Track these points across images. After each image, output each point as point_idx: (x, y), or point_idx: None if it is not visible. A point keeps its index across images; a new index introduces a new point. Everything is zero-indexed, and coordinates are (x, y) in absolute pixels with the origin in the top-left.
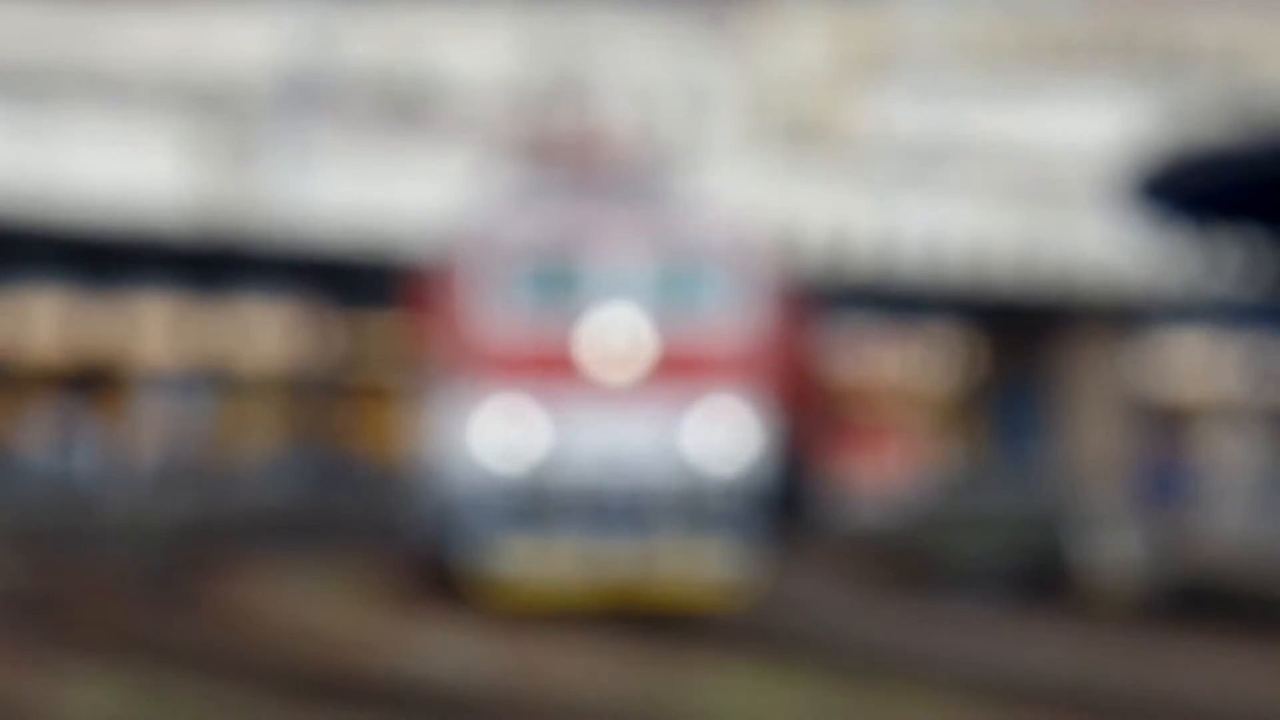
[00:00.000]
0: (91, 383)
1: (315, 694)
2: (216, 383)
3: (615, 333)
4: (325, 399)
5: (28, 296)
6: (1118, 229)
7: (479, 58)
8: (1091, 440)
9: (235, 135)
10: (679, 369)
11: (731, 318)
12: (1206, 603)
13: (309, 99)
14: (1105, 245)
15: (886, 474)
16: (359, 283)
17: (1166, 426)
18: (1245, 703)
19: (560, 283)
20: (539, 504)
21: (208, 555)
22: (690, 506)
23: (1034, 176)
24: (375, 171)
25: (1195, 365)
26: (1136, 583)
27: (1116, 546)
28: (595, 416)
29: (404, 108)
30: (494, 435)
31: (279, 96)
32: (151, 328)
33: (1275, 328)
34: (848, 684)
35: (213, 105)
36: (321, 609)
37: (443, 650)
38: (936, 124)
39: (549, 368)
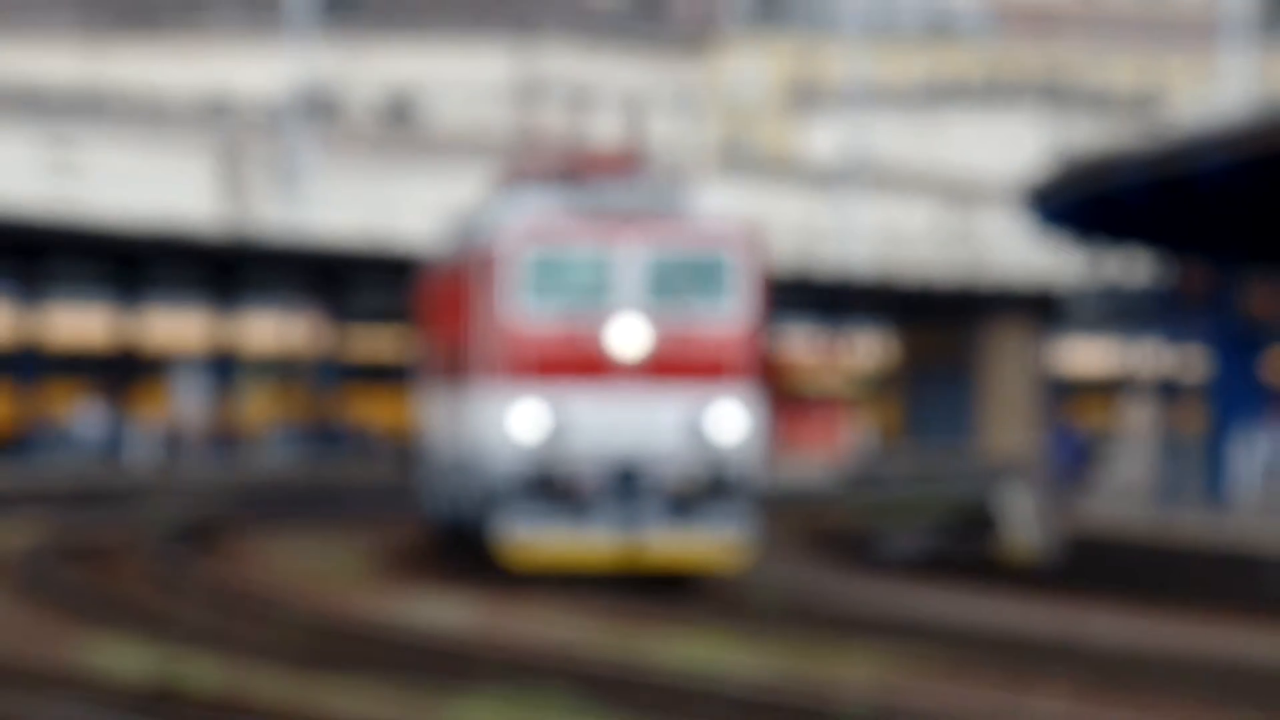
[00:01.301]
0: (131, 371)
1: (315, 633)
2: (237, 369)
3: (633, 326)
4: (326, 384)
5: (75, 301)
6: (1028, 234)
7: (477, 78)
8: (1007, 419)
9: (252, 155)
10: (691, 359)
11: (736, 312)
12: (1106, 563)
13: (319, 122)
14: (1019, 247)
15: (817, 446)
16: (362, 283)
17: (1073, 402)
18: (1135, 645)
19: (582, 280)
20: (559, 480)
21: (228, 513)
22: (703, 482)
23: (955, 190)
24: (377, 186)
25: (1096, 347)
26: (1047, 548)
27: (1029, 516)
28: (612, 402)
29: (406, 126)
30: (519, 419)
31: (291, 121)
32: (183, 323)
33: (1152, 320)
34: (802, 641)
35: (234, 130)
36: (319, 556)
37: (437, 605)
38: (860, 144)
39: (571, 359)
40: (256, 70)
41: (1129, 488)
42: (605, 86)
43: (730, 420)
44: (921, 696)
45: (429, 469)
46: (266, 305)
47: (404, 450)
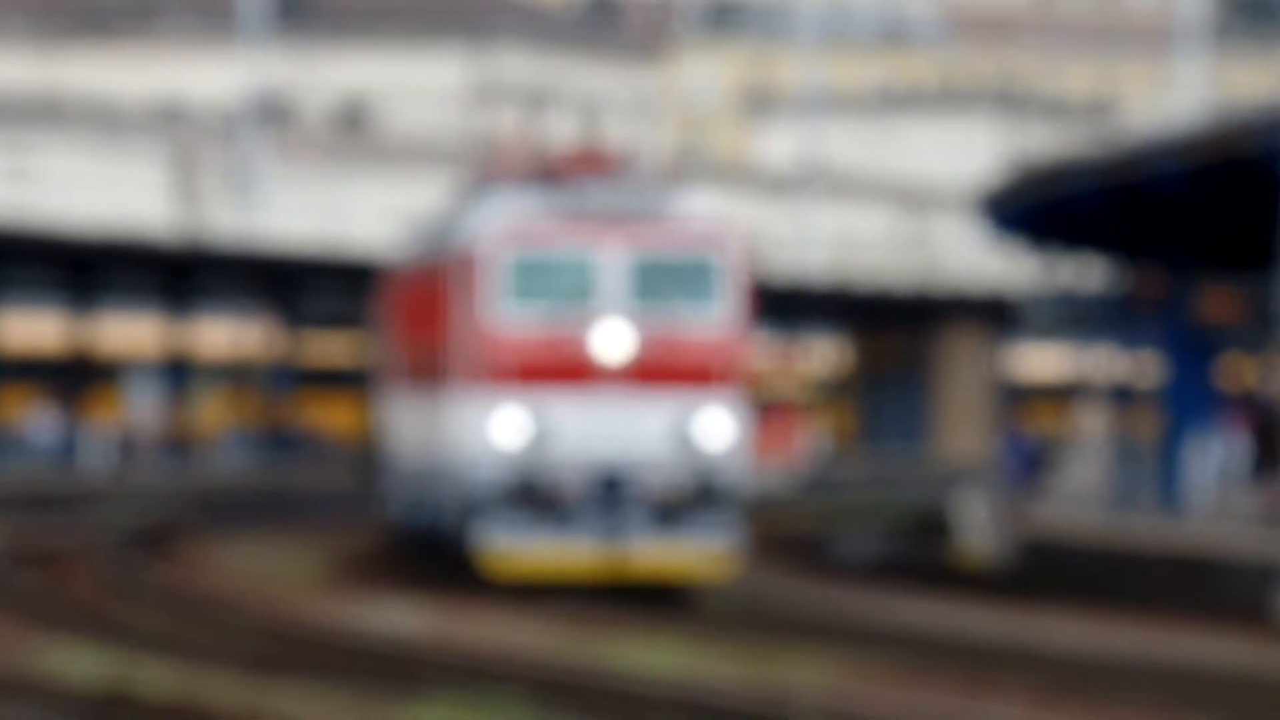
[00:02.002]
0: (85, 376)
1: (264, 636)
2: (191, 374)
3: (617, 330)
4: (280, 389)
5: (30, 306)
6: (982, 240)
7: (431, 84)
8: (961, 424)
9: (207, 160)
10: (676, 363)
11: (723, 315)
12: (1060, 568)
13: (273, 128)
14: (974, 253)
15: (772, 451)
16: (316, 288)
17: (1028, 408)
18: (1089, 650)
19: (564, 283)
20: (541, 488)
21: (182, 518)
22: (690, 490)
23: (910, 197)
24: (331, 191)
25: (1050, 353)
26: (1001, 553)
27: (983, 521)
28: (595, 408)
29: (360, 132)
30: (500, 426)
31: (245, 127)
32: (137, 328)
33: (1105, 326)
34: (758, 647)
35: (188, 136)
36: (273, 561)
37: (392, 612)
38: (814, 151)
39: (553, 364)
40: (211, 76)
41: (1083, 493)
42: (560, 92)
43: (717, 426)
44: (876, 701)
45: (396, 477)
46: (220, 310)
47: (360, 455)
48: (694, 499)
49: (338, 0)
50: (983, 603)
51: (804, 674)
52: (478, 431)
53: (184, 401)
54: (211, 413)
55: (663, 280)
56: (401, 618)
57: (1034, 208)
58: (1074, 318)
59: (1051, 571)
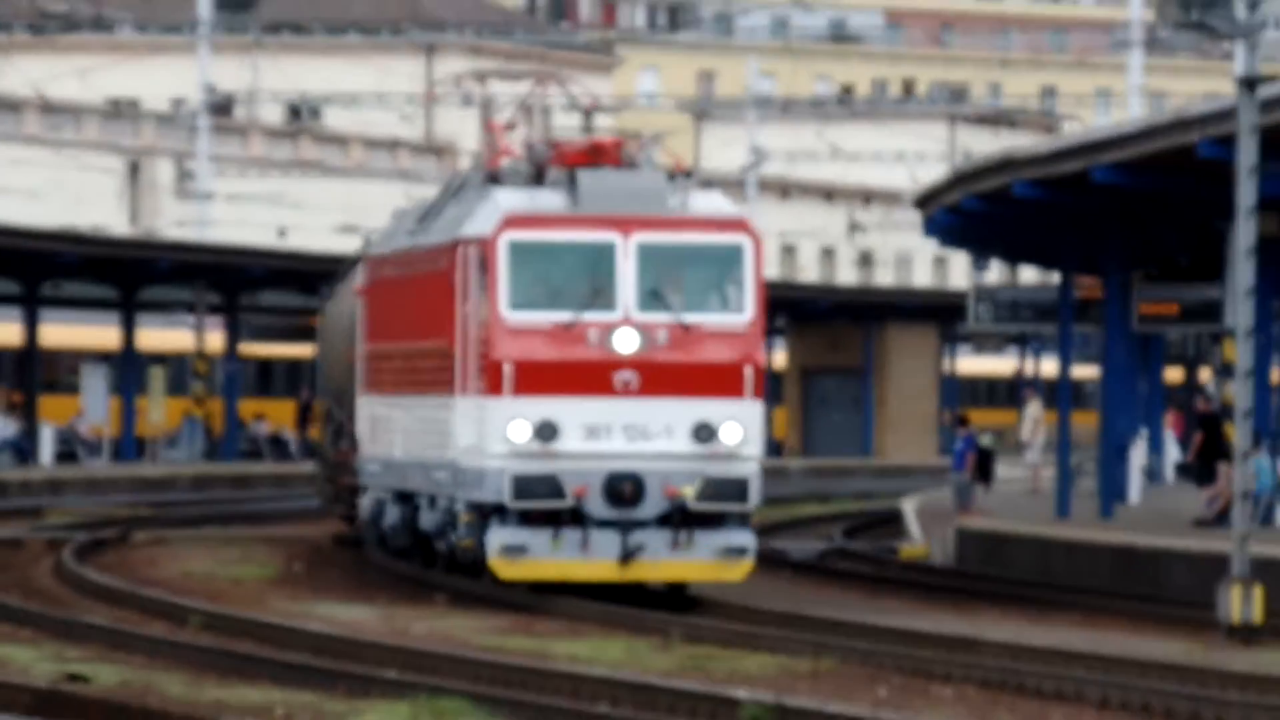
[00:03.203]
0: (37, 373)
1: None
2: (142, 372)
3: (628, 327)
4: (233, 387)
5: None
6: (927, 245)
7: (381, 87)
8: (904, 424)
9: (160, 162)
10: (691, 362)
11: (739, 311)
12: (1002, 564)
13: (222, 131)
14: (919, 257)
15: None
16: (264, 288)
17: (971, 408)
18: (1028, 645)
19: (574, 279)
20: (551, 492)
21: (134, 514)
22: (706, 492)
23: (854, 201)
24: (280, 194)
25: (993, 355)
26: (944, 550)
27: (926, 519)
28: (607, 409)
29: (309, 135)
30: (507, 428)
31: (194, 131)
32: (89, 327)
33: (1047, 329)
34: (703, 640)
35: (144, 135)
36: (225, 558)
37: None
38: (759, 155)
39: (562, 363)
40: (161, 80)
41: (1025, 491)
42: (509, 96)
43: (734, 427)
44: (818, 693)
45: (373, 480)
46: (170, 310)
47: (317, 454)
48: (710, 501)
49: (288, 5)
50: (925, 599)
51: (748, 666)
52: (488, 432)
53: (134, 399)
54: (160, 409)
55: (680, 276)
56: (354, 613)
57: (973, 212)
58: (1016, 320)
59: (993, 567)
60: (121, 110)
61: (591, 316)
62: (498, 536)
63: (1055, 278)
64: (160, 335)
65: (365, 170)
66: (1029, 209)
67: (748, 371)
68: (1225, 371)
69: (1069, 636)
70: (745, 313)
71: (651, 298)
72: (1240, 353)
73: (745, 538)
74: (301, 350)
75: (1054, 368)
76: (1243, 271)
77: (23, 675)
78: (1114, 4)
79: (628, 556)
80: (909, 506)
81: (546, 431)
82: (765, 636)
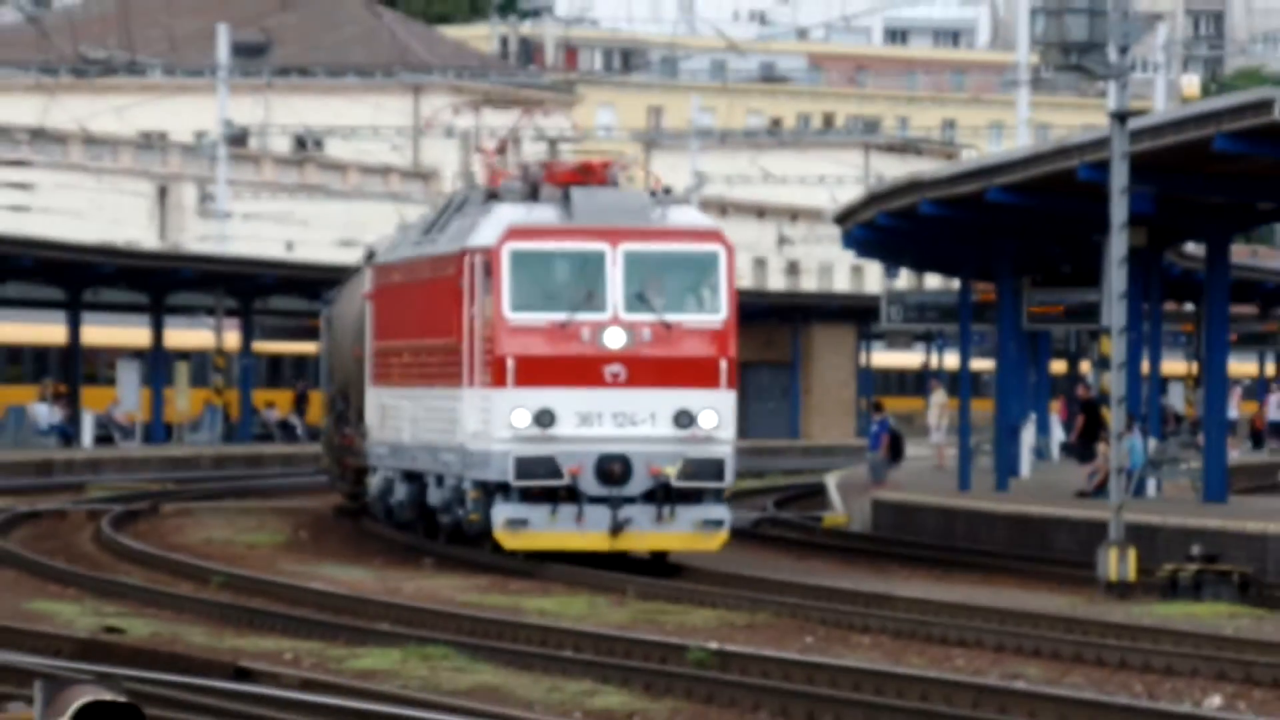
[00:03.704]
0: (81, 367)
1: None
2: (169, 366)
3: (617, 326)
4: (250, 378)
5: (33, 310)
6: (847, 257)
7: (375, 122)
8: (827, 410)
9: (185, 186)
10: (674, 357)
11: (716, 312)
12: (911, 531)
13: (238, 161)
14: (840, 267)
15: None
16: (275, 296)
17: (885, 396)
18: (934, 601)
19: (568, 284)
20: (549, 473)
21: (164, 490)
22: (687, 472)
23: (784, 220)
24: (288, 215)
25: (904, 350)
26: (861, 519)
27: (846, 493)
28: (599, 399)
29: (313, 164)
30: (508, 417)
31: (220, 157)
32: (123, 329)
33: (949, 327)
34: (654, 597)
35: (171, 163)
36: (244, 527)
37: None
38: (700, 180)
39: (558, 359)
40: (186, 115)
41: (931, 467)
42: (487, 129)
43: (711, 413)
44: (754, 641)
45: (382, 462)
46: (193, 313)
47: (321, 437)
48: (690, 480)
49: (295, 49)
50: (846, 561)
51: (694, 619)
52: (493, 419)
53: (162, 389)
54: (185, 399)
55: (662, 280)
56: (353, 574)
57: (882, 227)
58: (923, 320)
59: (905, 533)
60: (152, 142)
61: (584, 316)
62: (502, 511)
63: (956, 283)
64: (185, 335)
65: (361, 193)
66: (933, 224)
67: (723, 364)
68: (1102, 364)
69: (970, 592)
70: (720, 313)
71: (637, 300)
72: (1115, 348)
73: (721, 511)
74: (306, 348)
75: (955, 361)
76: (1116, 278)
77: (67, 627)
78: (1005, 49)
79: (617, 529)
80: (831, 481)
81: (545, 418)
82: (708, 593)
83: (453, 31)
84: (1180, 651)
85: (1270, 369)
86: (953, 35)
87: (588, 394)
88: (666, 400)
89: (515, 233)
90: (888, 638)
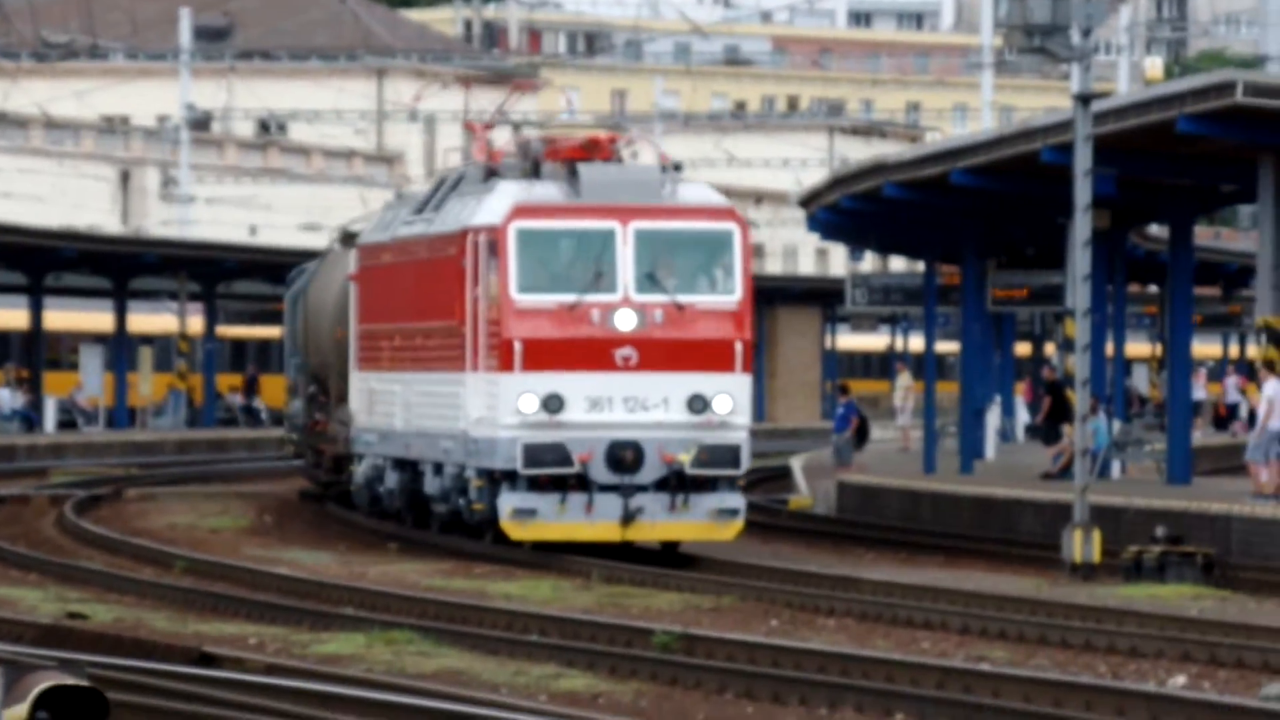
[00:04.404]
0: (44, 351)
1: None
2: (131, 351)
3: (628, 307)
4: (212, 361)
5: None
6: (812, 239)
7: (339, 105)
8: (794, 392)
9: (148, 171)
10: (687, 339)
11: (731, 292)
12: (877, 512)
13: (201, 144)
14: (806, 249)
15: None
16: (238, 279)
17: (851, 378)
18: (900, 582)
19: (577, 264)
20: (557, 460)
21: (127, 474)
22: (701, 459)
23: (749, 202)
24: (252, 198)
25: (870, 332)
26: (828, 501)
27: (813, 478)
28: (609, 383)
29: (277, 147)
30: (516, 401)
31: (182, 141)
32: (88, 315)
33: (915, 310)
34: (620, 581)
35: (134, 147)
36: (207, 511)
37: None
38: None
39: (566, 341)
40: (148, 100)
41: (896, 450)
42: (449, 114)
43: (727, 398)
44: (719, 624)
45: (370, 449)
46: (157, 297)
47: (286, 422)
48: (705, 467)
49: (258, 33)
50: (811, 543)
51: (659, 601)
52: (499, 404)
53: (126, 374)
54: (148, 383)
55: (674, 260)
56: (317, 558)
57: (849, 208)
58: (889, 302)
59: (870, 516)
60: (114, 126)
61: (593, 298)
62: (508, 500)
63: (920, 266)
64: (148, 319)
65: (324, 177)
66: (897, 207)
67: (738, 347)
68: (1066, 346)
69: (935, 575)
70: (735, 293)
71: (648, 280)
72: (1079, 330)
73: (736, 500)
74: (271, 332)
75: (920, 343)
76: (1080, 260)
77: (30, 613)
78: (969, 31)
79: (628, 518)
80: (796, 464)
81: (553, 404)
82: (673, 576)
83: (416, 15)
84: (1145, 633)
85: (1234, 351)
86: (916, 18)
87: (598, 378)
88: (680, 384)
89: (522, 210)
90: (853, 620)
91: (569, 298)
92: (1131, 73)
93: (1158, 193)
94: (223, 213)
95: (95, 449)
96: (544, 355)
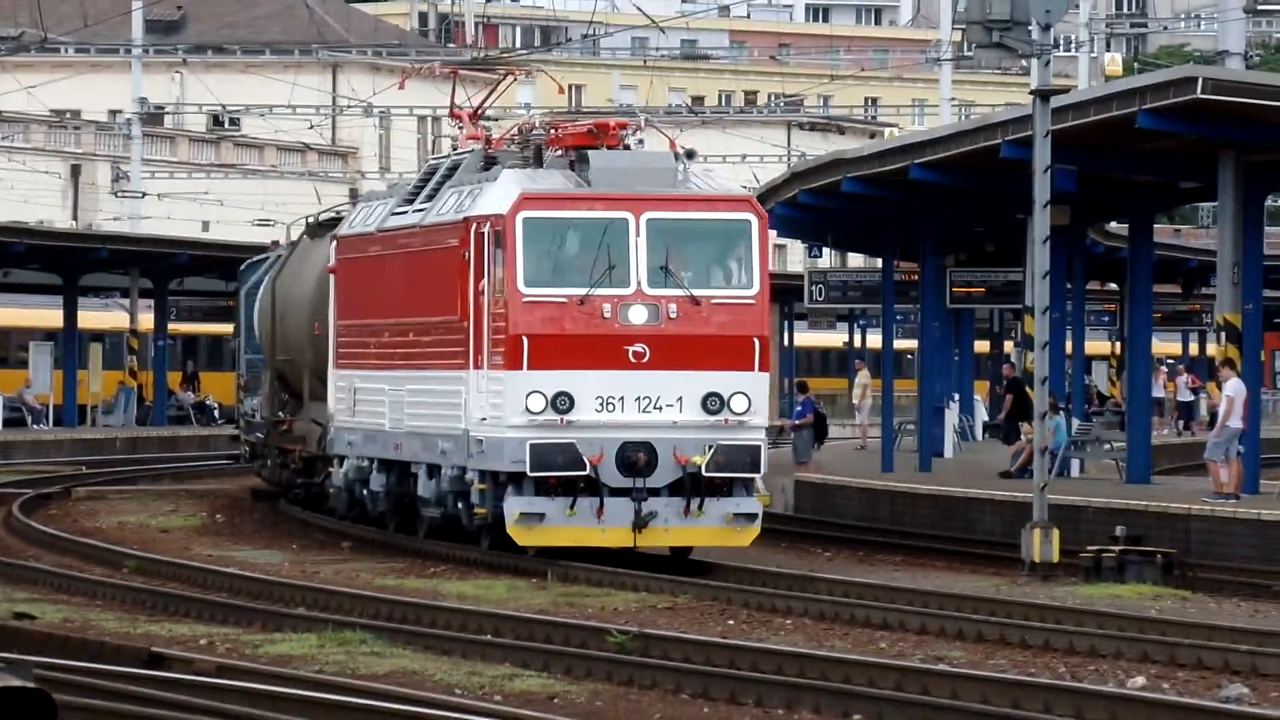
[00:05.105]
0: None
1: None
2: (82, 347)
3: (641, 301)
4: (162, 358)
5: None
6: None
7: (292, 100)
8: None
9: (99, 165)
10: (702, 334)
11: (748, 285)
12: (836, 511)
13: (153, 139)
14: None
15: None
16: (190, 274)
17: (810, 375)
18: (859, 582)
19: (586, 255)
20: (566, 461)
21: (77, 472)
22: (717, 460)
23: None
24: (204, 192)
25: (829, 329)
26: (786, 499)
27: (771, 475)
28: (621, 380)
29: (229, 142)
30: (524, 399)
31: (134, 136)
32: (38, 311)
33: (874, 307)
34: (576, 581)
35: (85, 142)
36: (158, 510)
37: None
38: None
39: (576, 336)
40: (99, 94)
41: (854, 448)
42: (402, 107)
43: (744, 398)
44: (676, 624)
45: (352, 450)
46: (107, 294)
47: (240, 419)
48: (721, 469)
49: (210, 27)
50: (768, 542)
51: (615, 601)
52: (505, 403)
53: (75, 371)
54: (98, 380)
55: (689, 251)
56: (268, 557)
57: (808, 204)
58: (848, 300)
59: (828, 514)
60: (64, 120)
61: (605, 291)
62: (515, 504)
63: (879, 262)
64: (98, 316)
65: (278, 172)
66: (856, 203)
67: (756, 343)
68: (1025, 343)
69: (893, 574)
70: (753, 286)
71: (662, 273)
72: (1038, 327)
73: (754, 504)
74: (223, 328)
75: (879, 341)
76: (1040, 257)
77: None
78: (927, 27)
79: (641, 524)
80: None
81: (562, 403)
82: (629, 576)
83: (370, 9)
84: (1104, 633)
85: (1194, 348)
86: (875, 12)
87: (609, 376)
88: (695, 382)
89: (529, 199)
90: (810, 620)
91: (579, 291)
92: (1091, 68)
93: (1118, 189)
94: (175, 208)
95: (44, 447)
96: (552, 352)
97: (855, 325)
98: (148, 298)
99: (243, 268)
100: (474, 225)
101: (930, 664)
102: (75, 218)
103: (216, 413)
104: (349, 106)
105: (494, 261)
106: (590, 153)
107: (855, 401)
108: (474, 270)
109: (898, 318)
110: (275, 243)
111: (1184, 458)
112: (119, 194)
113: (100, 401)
